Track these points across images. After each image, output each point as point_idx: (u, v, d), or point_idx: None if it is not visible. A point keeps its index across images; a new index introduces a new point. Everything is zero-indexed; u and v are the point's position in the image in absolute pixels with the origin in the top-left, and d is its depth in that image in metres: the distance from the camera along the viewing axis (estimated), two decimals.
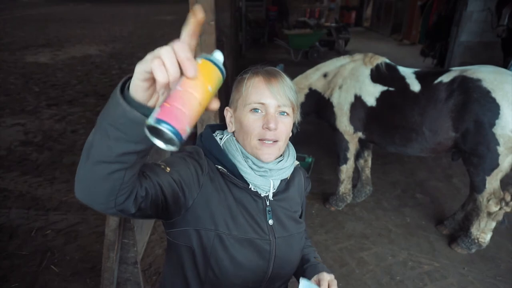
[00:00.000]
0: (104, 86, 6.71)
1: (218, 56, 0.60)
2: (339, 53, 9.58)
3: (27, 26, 14.08)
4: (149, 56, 0.55)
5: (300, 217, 1.09)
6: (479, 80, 2.26)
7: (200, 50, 2.86)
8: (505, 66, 4.13)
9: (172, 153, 0.81)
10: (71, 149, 4.17)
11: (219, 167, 0.95)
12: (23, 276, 2.36)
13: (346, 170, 2.99)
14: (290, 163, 0.99)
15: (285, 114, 0.94)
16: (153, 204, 0.78)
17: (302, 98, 2.97)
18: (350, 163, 2.96)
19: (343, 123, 2.76)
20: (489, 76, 2.27)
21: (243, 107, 0.93)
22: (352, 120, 2.72)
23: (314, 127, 4.56)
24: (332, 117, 2.81)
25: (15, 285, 2.30)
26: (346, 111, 2.71)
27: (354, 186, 3.21)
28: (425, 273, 2.46)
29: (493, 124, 2.21)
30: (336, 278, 0.95)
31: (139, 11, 21.36)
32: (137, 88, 0.57)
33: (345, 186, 3.06)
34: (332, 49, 10.01)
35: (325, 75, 2.86)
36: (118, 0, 26.90)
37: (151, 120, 0.52)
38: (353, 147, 2.87)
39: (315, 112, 3.00)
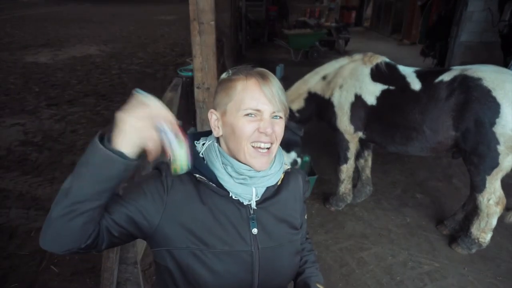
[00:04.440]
0: (104, 86, 6.71)
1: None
2: (339, 53, 9.57)
3: (27, 26, 14.08)
4: (141, 133, 0.73)
5: (301, 227, 1.04)
6: (479, 79, 2.26)
7: (200, 50, 2.86)
8: (505, 66, 4.12)
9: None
10: (71, 149, 4.17)
11: (197, 175, 0.91)
12: (23, 276, 2.36)
13: (347, 170, 2.99)
14: (275, 169, 0.95)
15: (279, 117, 0.91)
16: (112, 236, 0.84)
17: (301, 104, 2.96)
18: (351, 163, 2.96)
19: (344, 123, 2.76)
20: (490, 75, 2.26)
21: (235, 112, 0.89)
22: (352, 119, 2.72)
23: (314, 127, 4.55)
24: (333, 117, 2.80)
25: (15, 285, 2.30)
26: (347, 110, 2.71)
27: (354, 186, 3.21)
28: (425, 273, 2.46)
29: (493, 123, 2.21)
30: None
31: (139, 11, 21.35)
32: (132, 147, 0.74)
33: (345, 186, 3.06)
34: (332, 49, 10.00)
35: (324, 78, 2.86)
36: (118, 0, 26.89)
37: (190, 166, 0.78)
38: (353, 147, 2.87)
39: (317, 115, 3.00)
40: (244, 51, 9.79)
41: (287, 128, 0.99)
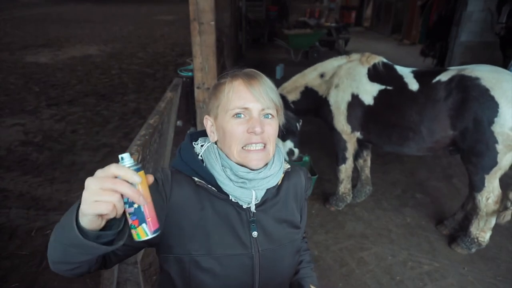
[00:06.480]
0: (104, 86, 6.72)
1: (130, 160, 0.67)
2: (339, 53, 9.58)
3: (27, 26, 14.08)
4: (95, 197, 0.60)
5: (300, 224, 1.04)
6: (477, 79, 2.26)
7: (200, 50, 2.86)
8: (504, 66, 4.12)
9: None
10: (71, 149, 4.18)
11: (196, 179, 0.90)
12: (23, 276, 2.36)
13: (345, 170, 2.99)
14: (275, 170, 0.93)
15: (270, 116, 0.90)
16: (119, 255, 0.85)
17: (297, 96, 3.00)
18: (349, 163, 2.96)
19: (341, 123, 2.76)
20: (488, 75, 2.27)
21: (224, 114, 0.88)
22: (349, 119, 2.73)
23: (314, 127, 4.56)
24: (329, 116, 2.82)
25: (15, 285, 2.29)
26: (343, 110, 2.72)
27: (354, 186, 3.21)
28: (425, 273, 2.46)
29: (492, 122, 2.21)
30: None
31: (139, 11, 21.36)
32: (92, 223, 0.63)
33: (344, 186, 3.06)
34: (332, 49, 10.01)
35: (322, 75, 2.89)
36: (118, 0, 26.90)
37: (149, 234, 0.67)
38: (351, 147, 2.88)
39: (313, 110, 3.01)
40: (244, 51, 9.80)
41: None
